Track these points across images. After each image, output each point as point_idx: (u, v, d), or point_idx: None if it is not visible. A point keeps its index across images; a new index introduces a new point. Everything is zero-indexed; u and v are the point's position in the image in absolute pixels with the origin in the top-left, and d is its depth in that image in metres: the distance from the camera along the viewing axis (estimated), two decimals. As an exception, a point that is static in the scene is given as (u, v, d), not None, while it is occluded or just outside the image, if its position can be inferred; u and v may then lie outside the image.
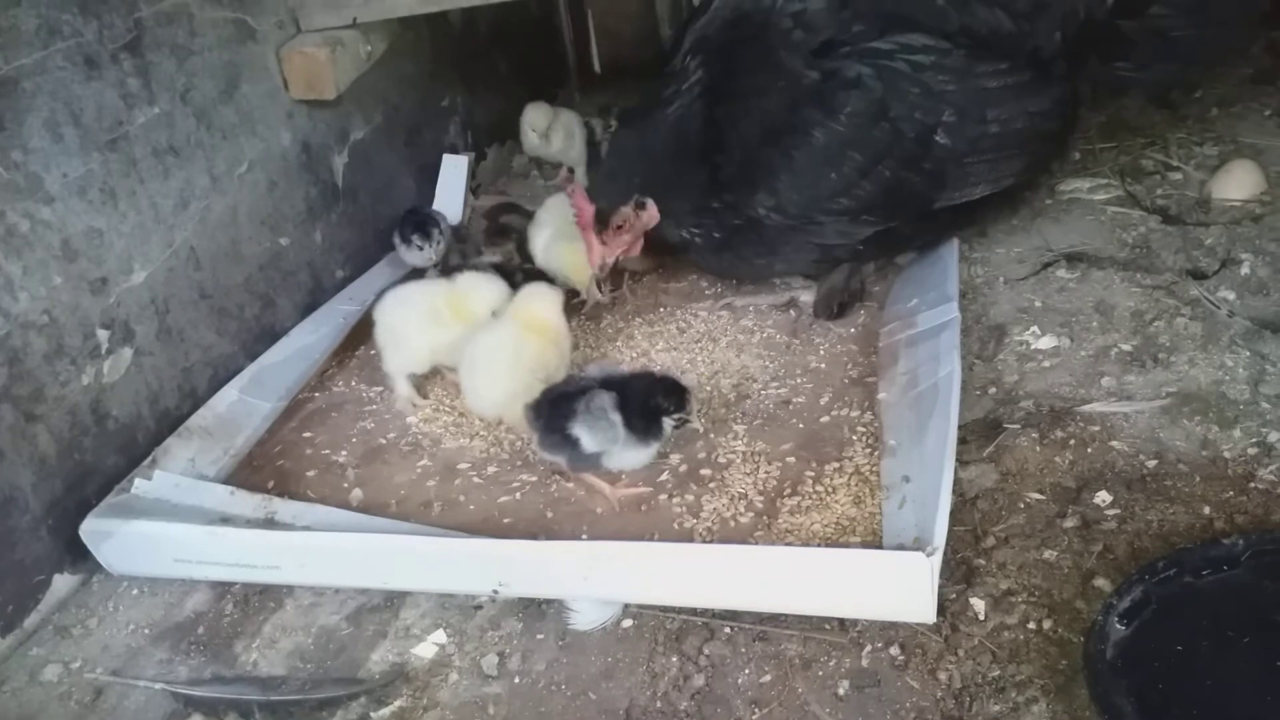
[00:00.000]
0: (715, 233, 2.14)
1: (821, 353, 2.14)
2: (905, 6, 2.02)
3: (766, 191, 2.03)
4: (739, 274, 2.32)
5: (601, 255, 2.10)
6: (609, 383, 1.80)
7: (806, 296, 2.27)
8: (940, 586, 1.44)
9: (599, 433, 1.74)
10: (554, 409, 1.78)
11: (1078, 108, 2.21)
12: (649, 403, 1.78)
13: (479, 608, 1.67)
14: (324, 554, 1.70)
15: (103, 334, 1.90)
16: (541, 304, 2.04)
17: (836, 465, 1.78)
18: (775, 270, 2.25)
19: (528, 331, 1.99)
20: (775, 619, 1.54)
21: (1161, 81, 2.57)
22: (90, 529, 1.77)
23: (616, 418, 1.74)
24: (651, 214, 2.10)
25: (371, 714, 1.51)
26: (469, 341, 2.00)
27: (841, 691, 1.43)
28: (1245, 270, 2.14)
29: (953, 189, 2.09)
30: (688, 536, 1.69)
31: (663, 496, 1.79)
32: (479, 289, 2.13)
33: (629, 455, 1.79)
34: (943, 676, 1.42)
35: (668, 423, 1.79)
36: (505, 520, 1.79)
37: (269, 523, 1.79)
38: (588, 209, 2.07)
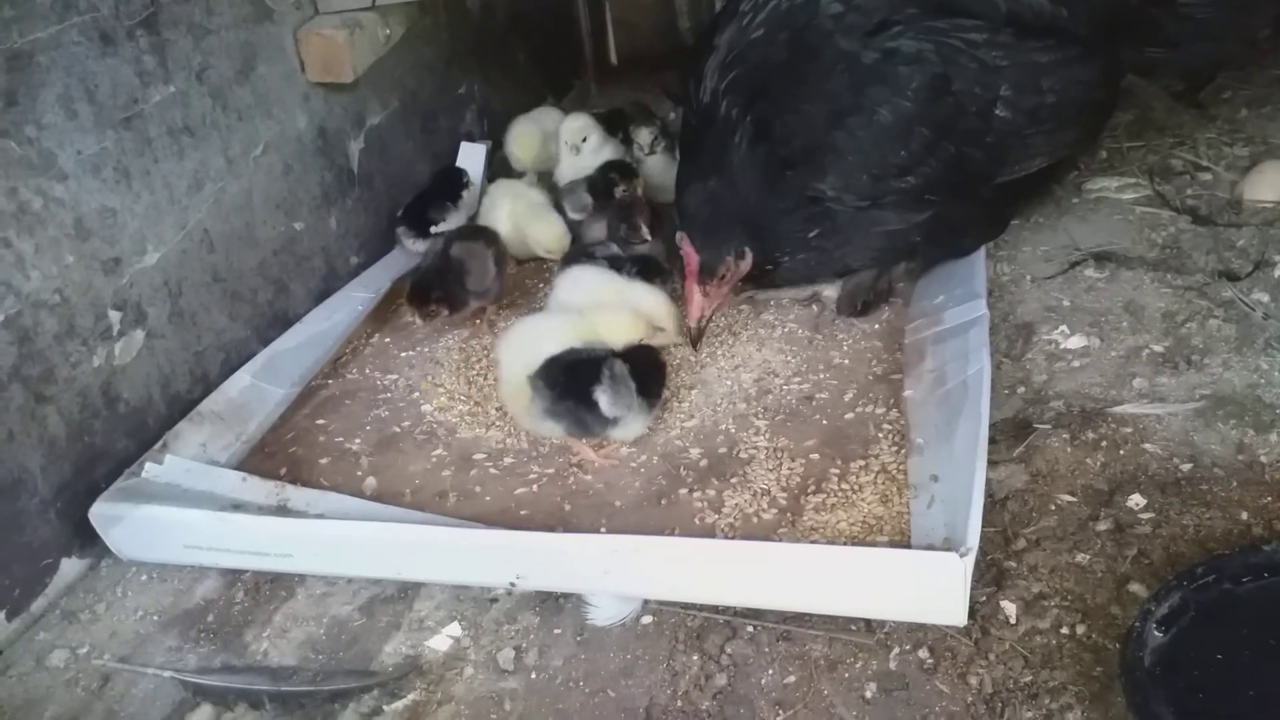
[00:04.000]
0: (810, 241, 2.10)
1: (845, 348, 2.10)
2: None
3: (836, 173, 1.99)
4: (815, 272, 2.23)
5: (702, 307, 2.08)
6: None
7: (830, 292, 2.23)
8: (970, 588, 1.40)
9: (620, 398, 1.78)
10: (571, 374, 1.80)
11: (1122, 77, 2.22)
12: (654, 369, 1.87)
13: (495, 600, 1.63)
14: (337, 543, 1.66)
15: (114, 315, 1.87)
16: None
17: (862, 463, 1.75)
18: (848, 260, 2.18)
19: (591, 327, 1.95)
20: (799, 618, 1.51)
21: (1191, 62, 2.55)
22: (99, 513, 1.73)
23: (634, 384, 1.79)
24: (749, 261, 2.08)
25: (384, 707, 1.48)
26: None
27: (869, 694, 1.39)
28: (1279, 273, 2.10)
29: (1014, 162, 2.09)
30: (709, 532, 1.66)
31: (683, 490, 1.75)
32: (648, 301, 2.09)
33: (635, 424, 1.84)
34: (973, 681, 1.38)
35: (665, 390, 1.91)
36: (522, 512, 1.76)
37: (281, 510, 1.76)
38: (695, 258, 2.04)
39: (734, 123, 2.05)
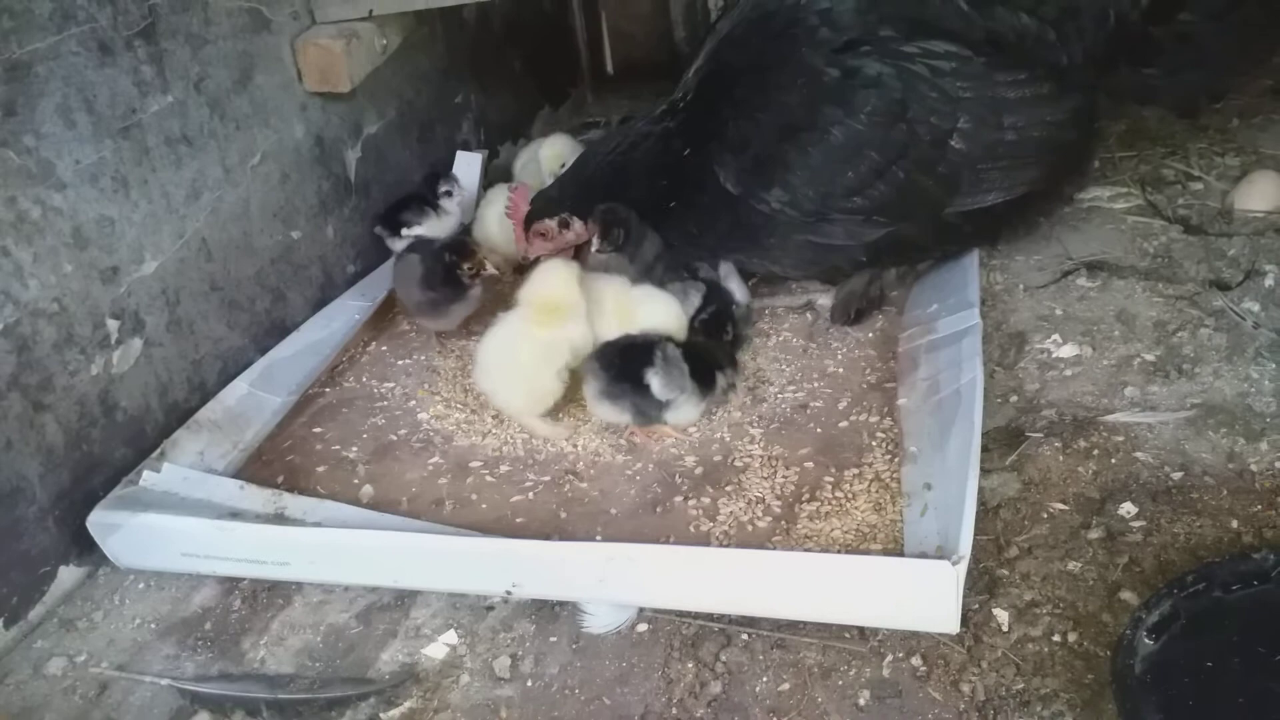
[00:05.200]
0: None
1: (839, 357, 2.12)
2: (930, 11, 2.01)
3: (782, 187, 2.01)
4: (706, 250, 2.25)
5: (523, 250, 2.33)
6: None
7: (824, 300, 2.24)
8: (963, 596, 1.41)
9: (672, 381, 1.81)
10: (625, 358, 1.84)
11: (1095, 119, 2.20)
12: (708, 356, 1.89)
13: (491, 608, 1.64)
14: (334, 551, 1.67)
15: (113, 324, 1.87)
16: (553, 281, 1.99)
17: (856, 471, 1.76)
18: (749, 261, 2.23)
19: (541, 317, 1.95)
20: (793, 626, 1.52)
21: (1190, 89, 2.54)
22: (97, 521, 1.74)
23: (686, 367, 1.82)
24: (578, 231, 2.24)
25: (381, 715, 1.48)
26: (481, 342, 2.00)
27: (862, 702, 1.40)
28: (1269, 282, 2.12)
29: (966, 194, 2.07)
30: (704, 540, 1.66)
31: (678, 498, 1.76)
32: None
33: (688, 409, 1.87)
34: (966, 688, 1.39)
35: (720, 378, 1.90)
36: (518, 520, 1.77)
37: (279, 518, 1.76)
38: (521, 208, 2.29)
39: (679, 113, 2.14)
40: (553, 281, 1.98)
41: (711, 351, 1.94)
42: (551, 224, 2.26)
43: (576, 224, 2.25)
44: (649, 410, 1.85)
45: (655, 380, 1.82)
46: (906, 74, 1.95)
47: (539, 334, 1.94)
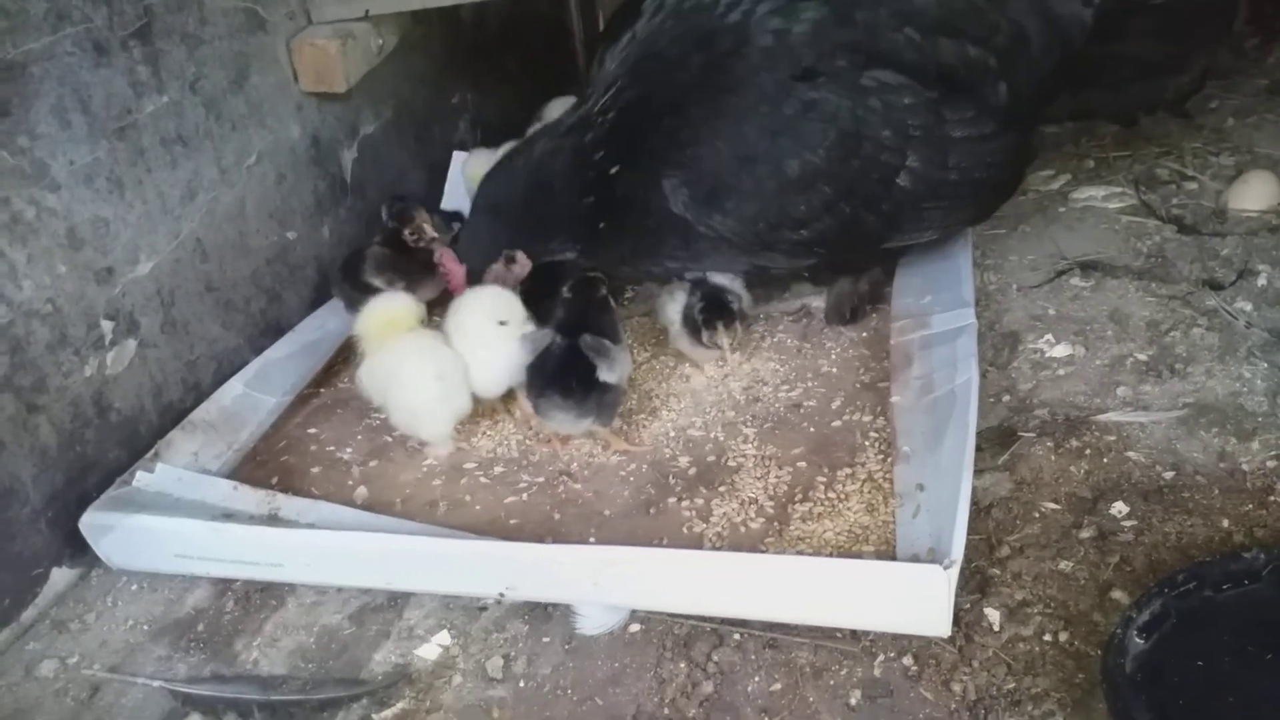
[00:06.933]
0: (607, 235, 2.05)
1: (833, 357, 2.12)
2: (884, 43, 1.96)
3: (735, 217, 1.95)
4: (641, 269, 2.19)
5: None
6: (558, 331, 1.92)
7: (818, 303, 2.24)
8: (954, 597, 1.42)
9: (613, 358, 1.85)
10: (574, 375, 1.83)
11: (1028, 162, 2.21)
12: (588, 316, 1.93)
13: (484, 609, 1.64)
14: (328, 552, 1.67)
15: (107, 325, 1.88)
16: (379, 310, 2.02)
17: (849, 471, 1.76)
18: (686, 269, 2.14)
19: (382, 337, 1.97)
20: (785, 626, 1.52)
21: (1127, 103, 2.57)
22: (90, 522, 1.74)
23: (603, 339, 1.86)
24: (523, 264, 2.07)
25: (373, 715, 1.48)
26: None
27: (853, 701, 1.40)
28: (1262, 281, 2.12)
29: (906, 232, 2.06)
30: (697, 541, 1.66)
31: (672, 499, 1.76)
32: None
33: (626, 361, 1.92)
34: (957, 688, 1.39)
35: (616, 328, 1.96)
36: (512, 521, 1.77)
37: (272, 519, 1.76)
38: (459, 272, 2.06)
39: (602, 122, 1.99)
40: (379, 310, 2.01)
41: (593, 303, 1.97)
42: (499, 267, 2.06)
43: (520, 257, 2.07)
44: (610, 398, 1.86)
45: (605, 372, 1.83)
46: (863, 109, 1.91)
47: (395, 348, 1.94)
